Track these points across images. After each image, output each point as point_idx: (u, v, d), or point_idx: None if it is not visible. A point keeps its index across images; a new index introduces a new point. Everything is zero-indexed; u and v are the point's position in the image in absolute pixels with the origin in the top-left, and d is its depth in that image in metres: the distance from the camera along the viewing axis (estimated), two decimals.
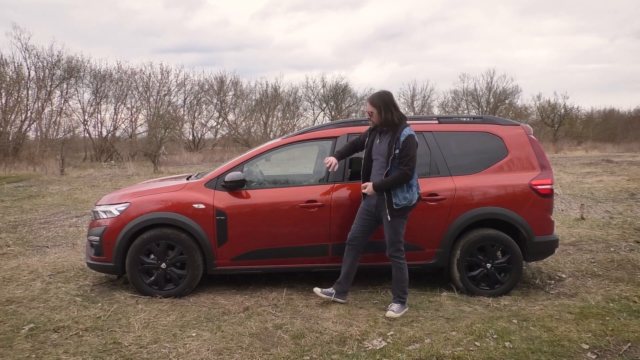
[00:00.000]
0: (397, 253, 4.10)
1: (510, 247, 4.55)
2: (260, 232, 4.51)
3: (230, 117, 35.04)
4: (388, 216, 4.01)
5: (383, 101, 4.02)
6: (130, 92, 31.08)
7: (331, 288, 4.31)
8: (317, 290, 4.29)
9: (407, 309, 4.12)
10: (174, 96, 32.78)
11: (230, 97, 34.97)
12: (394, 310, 4.05)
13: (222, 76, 34.49)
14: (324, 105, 37.93)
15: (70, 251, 6.47)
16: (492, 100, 39.07)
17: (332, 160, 4.26)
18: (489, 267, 4.56)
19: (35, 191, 13.01)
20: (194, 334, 3.67)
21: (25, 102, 26.19)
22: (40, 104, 26.73)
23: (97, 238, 4.56)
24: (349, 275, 4.28)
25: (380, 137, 4.12)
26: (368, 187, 4.06)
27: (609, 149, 32.56)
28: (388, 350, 3.39)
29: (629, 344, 3.44)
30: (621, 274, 5.10)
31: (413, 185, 4.04)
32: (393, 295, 4.21)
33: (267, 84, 36.36)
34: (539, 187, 4.59)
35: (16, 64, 25.93)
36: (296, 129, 29.98)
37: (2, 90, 24.93)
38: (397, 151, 3.94)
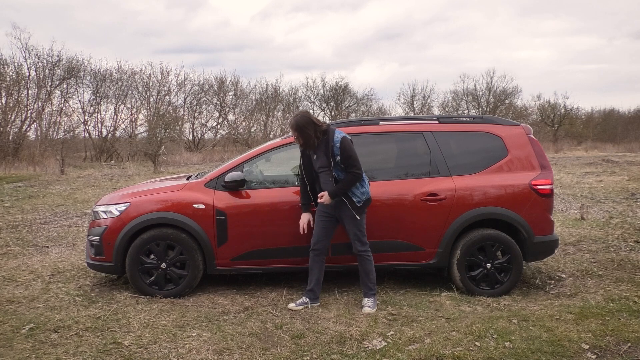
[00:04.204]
0: (364, 247, 4.23)
1: (510, 247, 4.54)
2: (260, 232, 4.51)
3: (230, 117, 35.12)
4: (356, 216, 4.11)
5: (299, 125, 4.04)
6: (130, 92, 31.16)
7: (304, 297, 4.31)
8: (292, 305, 4.25)
9: (376, 302, 4.29)
10: (174, 96, 32.87)
11: (230, 97, 35.04)
12: (369, 306, 4.17)
13: (222, 76, 34.59)
14: (324, 105, 37.98)
15: (70, 251, 6.48)
16: (492, 100, 39.07)
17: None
18: (489, 267, 4.56)
19: (35, 191, 13.01)
20: (194, 334, 3.67)
21: (25, 102, 26.25)
22: (40, 104, 26.78)
23: (97, 238, 4.56)
24: (319, 280, 4.32)
25: (316, 152, 4.16)
26: (325, 197, 4.10)
27: (609, 149, 32.55)
28: (388, 350, 3.39)
29: (629, 344, 3.44)
30: (621, 274, 5.09)
31: (364, 179, 4.16)
32: (364, 290, 4.29)
33: (267, 84, 36.38)
34: (539, 187, 4.59)
35: (16, 64, 26.03)
36: None
37: (2, 90, 24.97)
38: (338, 158, 4.02)
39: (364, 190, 4.13)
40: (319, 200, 4.17)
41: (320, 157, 4.13)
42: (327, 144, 4.06)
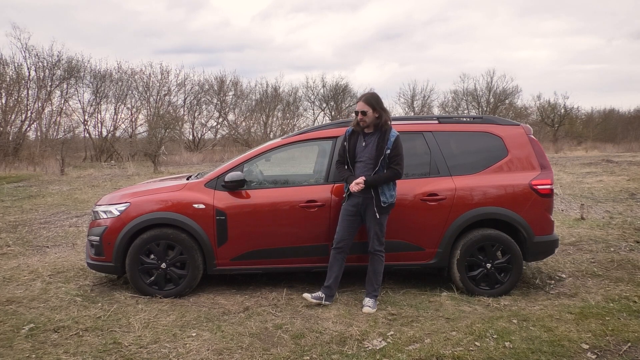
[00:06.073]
0: (381, 247, 4.27)
1: (510, 247, 4.55)
2: (260, 232, 4.51)
3: (230, 117, 35.05)
4: (377, 214, 4.15)
5: (376, 101, 4.16)
6: (130, 92, 31.10)
7: (320, 292, 4.31)
8: (307, 295, 4.28)
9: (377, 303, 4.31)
10: (174, 96, 32.81)
11: (230, 97, 34.98)
12: (370, 306, 4.19)
13: (222, 76, 34.51)
14: (324, 105, 37.92)
15: (70, 251, 6.48)
16: (492, 100, 39.02)
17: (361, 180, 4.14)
18: (489, 267, 4.56)
19: (35, 191, 13.01)
20: (194, 334, 3.67)
21: (25, 102, 26.21)
22: (40, 104, 26.75)
23: (97, 238, 4.56)
24: (338, 279, 4.32)
25: (365, 140, 4.21)
26: (360, 182, 4.07)
27: (609, 149, 32.54)
28: (388, 350, 3.39)
29: (629, 344, 3.44)
30: (621, 274, 5.09)
31: (395, 184, 4.24)
32: (368, 289, 4.30)
33: (267, 84, 36.28)
34: (539, 187, 4.59)
35: (16, 64, 25.99)
36: (296, 129, 29.98)
37: (2, 90, 24.95)
38: (388, 151, 4.09)
39: (393, 193, 4.21)
40: (351, 187, 4.12)
41: (369, 145, 4.18)
42: (384, 135, 4.13)
